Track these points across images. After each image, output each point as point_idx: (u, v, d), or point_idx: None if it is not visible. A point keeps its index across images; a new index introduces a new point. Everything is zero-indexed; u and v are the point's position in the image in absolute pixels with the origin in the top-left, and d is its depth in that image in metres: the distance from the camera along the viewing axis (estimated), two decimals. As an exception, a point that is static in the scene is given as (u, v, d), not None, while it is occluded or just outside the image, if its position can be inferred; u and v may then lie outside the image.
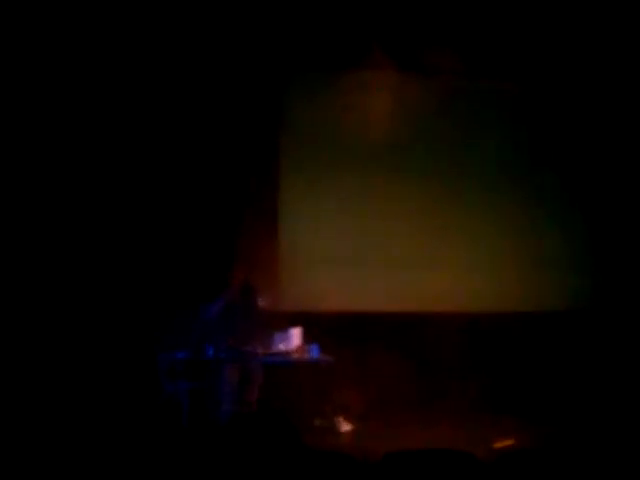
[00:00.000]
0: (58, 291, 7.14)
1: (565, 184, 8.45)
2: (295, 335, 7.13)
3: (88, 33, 7.14)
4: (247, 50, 7.64)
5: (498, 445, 5.97)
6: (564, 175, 8.44)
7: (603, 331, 8.07)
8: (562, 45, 7.93)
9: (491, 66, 8.05)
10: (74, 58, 7.18)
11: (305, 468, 2.29)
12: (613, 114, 8.36)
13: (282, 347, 7.07)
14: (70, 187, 7.29)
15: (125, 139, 7.42)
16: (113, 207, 7.40)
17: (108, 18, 7.10)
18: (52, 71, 7.14)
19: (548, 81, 8.35)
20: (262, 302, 7.09)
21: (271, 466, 2.26)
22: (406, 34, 7.72)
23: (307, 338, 7.17)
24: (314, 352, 7.10)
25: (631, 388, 7.47)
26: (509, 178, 8.35)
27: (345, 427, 7.07)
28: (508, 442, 6.07)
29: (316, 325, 7.26)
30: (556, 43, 7.90)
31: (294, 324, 7.17)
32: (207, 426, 6.64)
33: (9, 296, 6.96)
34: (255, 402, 6.94)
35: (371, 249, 7.97)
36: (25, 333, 6.93)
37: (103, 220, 7.36)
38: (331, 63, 7.85)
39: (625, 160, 8.35)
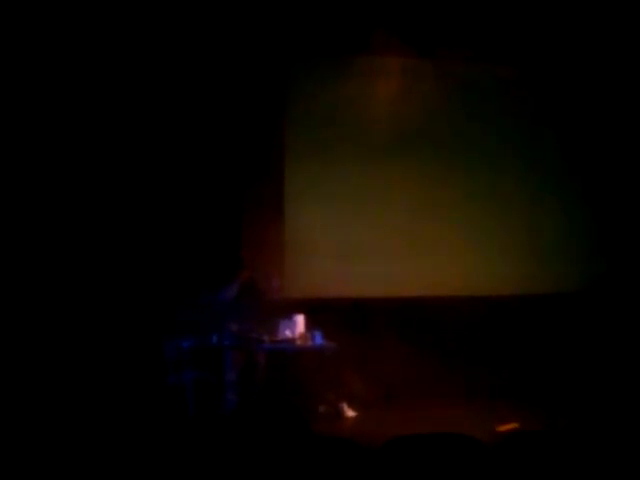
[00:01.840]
0: (64, 278, 7.16)
1: (568, 168, 8.46)
2: (299, 322, 7.15)
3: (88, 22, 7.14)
4: (252, 36, 7.61)
5: (502, 429, 5.99)
6: (567, 159, 8.44)
7: (605, 314, 8.09)
8: (562, 32, 7.92)
9: (494, 51, 8.04)
10: (74, 52, 7.18)
11: (312, 455, 2.31)
12: (616, 97, 8.36)
13: (288, 334, 7.09)
14: (81, 174, 7.30)
15: (134, 131, 7.41)
16: (123, 196, 7.40)
17: (110, 11, 7.08)
18: (52, 71, 7.13)
19: (549, 64, 8.33)
20: (276, 283, 7.19)
21: (278, 453, 2.28)
22: (411, 19, 7.69)
23: (310, 325, 7.18)
24: (317, 339, 7.12)
25: (634, 369, 7.50)
26: (511, 164, 8.35)
27: (349, 413, 7.11)
28: (512, 425, 6.10)
29: (319, 312, 7.28)
30: (556, 30, 7.89)
31: (298, 311, 7.19)
32: (212, 414, 6.67)
33: (14, 283, 6.99)
34: (259, 389, 6.97)
35: (374, 236, 7.97)
36: (30, 320, 6.95)
37: (111, 210, 7.37)
38: (335, 49, 7.83)
39: (628, 146, 8.35)
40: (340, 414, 7.06)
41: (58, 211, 7.20)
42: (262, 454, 2.29)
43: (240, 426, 2.33)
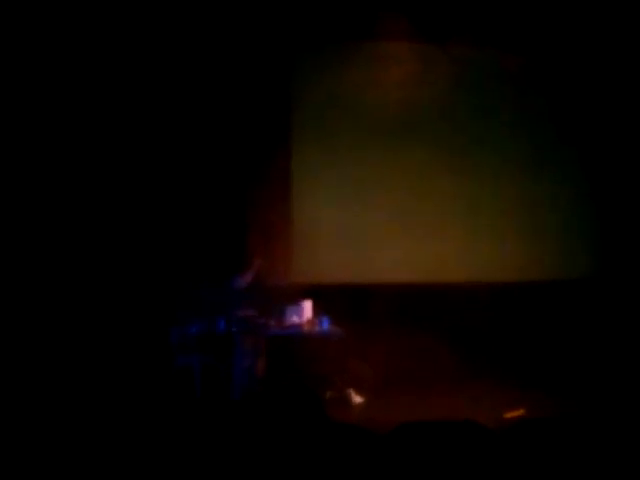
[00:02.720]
0: (75, 266, 7.19)
1: (572, 156, 8.43)
2: (306, 308, 7.16)
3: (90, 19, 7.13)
4: (256, 24, 7.58)
5: (508, 415, 6.00)
6: (571, 147, 8.42)
7: (608, 300, 8.09)
8: (570, 22, 7.89)
9: (501, 38, 8.01)
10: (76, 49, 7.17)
11: (324, 440, 2.32)
12: (619, 90, 8.32)
13: (296, 319, 7.11)
14: (89, 164, 7.33)
15: (140, 123, 7.42)
16: (133, 187, 7.42)
17: (112, 8, 7.07)
18: (54, 71, 7.12)
19: (555, 55, 8.31)
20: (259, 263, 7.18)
21: (293, 438, 2.29)
22: (417, 4, 7.65)
23: (318, 311, 7.20)
24: (324, 324, 7.14)
25: (635, 354, 7.52)
26: (515, 151, 8.33)
27: (356, 399, 7.13)
28: (518, 412, 6.11)
29: (327, 298, 7.29)
30: (564, 20, 7.86)
31: (305, 297, 7.21)
32: (220, 399, 6.70)
33: (19, 271, 7.03)
34: (266, 375, 7.00)
35: (380, 222, 7.98)
36: (35, 307, 6.99)
37: (122, 201, 7.39)
38: (340, 35, 7.80)
39: (631, 132, 8.32)
40: (347, 400, 7.08)
41: (70, 201, 7.24)
42: (276, 439, 2.31)
43: (252, 410, 2.35)
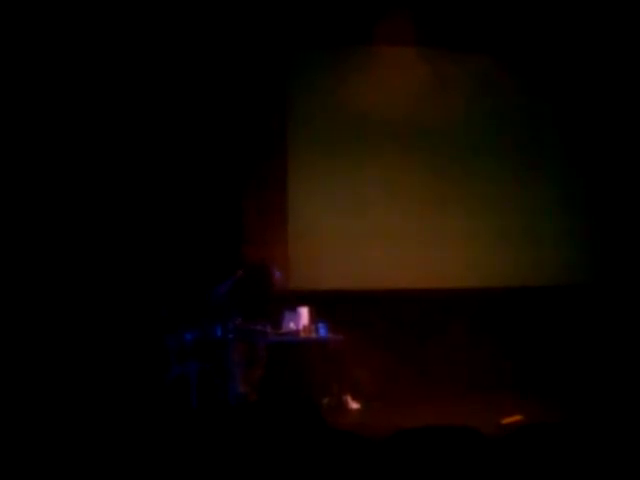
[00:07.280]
0: (66, 275, 7.17)
1: (569, 162, 8.45)
2: (303, 314, 7.15)
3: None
4: (253, 28, 7.60)
5: (506, 421, 5.99)
6: (568, 152, 8.44)
7: (606, 306, 8.09)
8: (570, 27, 7.94)
9: (497, 43, 8.06)
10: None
11: (324, 446, 2.31)
12: (617, 94, 8.35)
13: (293, 326, 7.10)
14: (82, 168, 7.32)
15: (134, 130, 7.41)
16: (124, 190, 7.41)
17: (111, 9, 7.08)
18: (52, 71, 7.13)
19: (554, 61, 8.35)
20: (280, 277, 7.17)
21: (291, 444, 2.28)
22: (412, 9, 7.66)
23: (315, 317, 7.18)
24: (322, 331, 7.12)
25: (633, 360, 7.52)
26: (512, 158, 8.35)
27: (353, 405, 7.11)
28: (516, 418, 6.10)
29: (324, 304, 7.28)
30: (564, 25, 7.93)
31: (302, 303, 7.19)
32: (215, 406, 6.68)
33: (19, 278, 7.01)
34: (262, 382, 6.97)
35: (378, 228, 7.97)
36: (31, 315, 6.97)
37: (113, 203, 7.38)
38: (335, 39, 7.81)
39: (628, 140, 8.34)
40: (344, 406, 7.06)
41: (61, 206, 7.23)
42: (273, 445, 2.29)
43: (249, 417, 2.34)
